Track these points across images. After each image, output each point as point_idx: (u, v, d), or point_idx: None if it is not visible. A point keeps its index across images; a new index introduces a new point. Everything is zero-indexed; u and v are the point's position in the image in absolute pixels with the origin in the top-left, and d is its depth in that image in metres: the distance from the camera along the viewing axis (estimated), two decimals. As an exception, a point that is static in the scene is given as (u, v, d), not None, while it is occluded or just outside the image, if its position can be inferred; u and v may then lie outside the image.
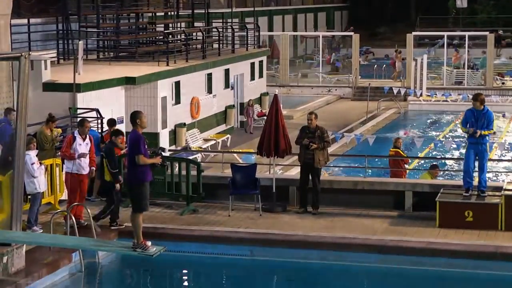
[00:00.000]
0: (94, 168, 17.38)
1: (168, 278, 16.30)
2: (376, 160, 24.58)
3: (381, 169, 23.24)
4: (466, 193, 17.27)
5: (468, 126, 17.17)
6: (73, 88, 23.32)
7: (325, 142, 18.20)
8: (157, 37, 34.53)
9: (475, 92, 20.64)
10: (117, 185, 16.86)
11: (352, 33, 48.91)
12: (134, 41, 33.04)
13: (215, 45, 36.01)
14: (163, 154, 15.55)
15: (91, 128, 20.00)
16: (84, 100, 23.79)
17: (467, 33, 49.04)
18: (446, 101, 40.89)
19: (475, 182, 17.43)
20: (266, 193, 18.32)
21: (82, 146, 16.89)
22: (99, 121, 22.82)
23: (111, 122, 19.67)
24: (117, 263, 16.22)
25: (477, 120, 17.08)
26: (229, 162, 20.43)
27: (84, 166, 16.96)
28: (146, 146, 13.91)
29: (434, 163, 21.49)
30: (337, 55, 51.33)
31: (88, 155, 16.99)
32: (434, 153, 29.05)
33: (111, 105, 25.00)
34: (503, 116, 37.32)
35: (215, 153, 26.83)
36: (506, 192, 16.95)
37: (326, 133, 18.30)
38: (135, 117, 13.81)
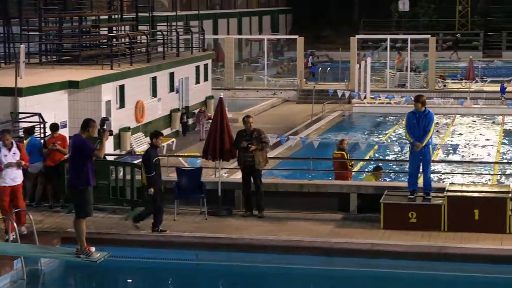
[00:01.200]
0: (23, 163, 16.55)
1: (112, 284, 16.09)
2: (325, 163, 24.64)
3: (326, 172, 23.27)
4: (411, 195, 17.37)
5: (410, 129, 17.27)
6: (15, 92, 22.95)
7: (263, 143, 18.17)
8: (100, 41, 34.19)
9: (418, 93, 20.66)
10: (150, 190, 16.62)
11: (296, 36, 49.03)
12: (77, 44, 32.66)
13: (160, 49, 35.80)
14: (108, 121, 15.74)
15: (33, 136, 19.68)
16: (26, 104, 23.43)
17: (409, 36, 49.64)
18: (390, 103, 41.21)
19: (421, 184, 17.55)
20: (212, 197, 18.22)
21: (8, 156, 16.18)
22: (42, 125, 22.48)
23: (54, 127, 19.37)
24: (61, 270, 15.95)
25: (419, 121, 17.20)
26: (174, 166, 20.26)
27: (14, 176, 16.19)
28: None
29: (377, 165, 21.59)
30: (313, 58, 51.25)
31: (20, 164, 16.28)
32: (377, 155, 29.24)
33: (54, 109, 24.67)
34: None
35: (160, 157, 26.55)
36: (449, 193, 17.09)
37: (263, 134, 18.29)
38: (88, 125, 14.11)
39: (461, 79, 47.08)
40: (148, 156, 16.78)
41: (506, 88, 42.35)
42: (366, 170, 23.58)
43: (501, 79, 46.59)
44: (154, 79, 32.28)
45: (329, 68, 49.54)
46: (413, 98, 17.70)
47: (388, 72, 46.45)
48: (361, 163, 25.98)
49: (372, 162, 24.87)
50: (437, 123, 36.16)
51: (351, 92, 41.78)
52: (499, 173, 25.46)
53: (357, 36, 49.37)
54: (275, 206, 18.45)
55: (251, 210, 18.15)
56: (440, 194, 17.30)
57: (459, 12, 69.98)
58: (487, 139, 33.75)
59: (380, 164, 22.13)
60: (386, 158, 28.53)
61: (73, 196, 13.91)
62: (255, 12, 68.23)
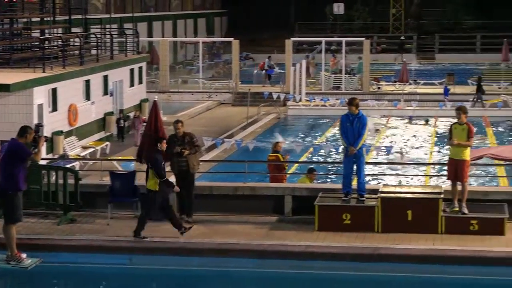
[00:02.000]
0: None
1: (44, 291, 15.84)
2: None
3: (261, 175, 23.29)
4: (345, 197, 17.49)
5: (344, 132, 17.40)
6: None
7: (196, 146, 18.09)
8: (32, 43, 33.70)
9: (352, 96, 20.78)
10: (176, 188, 16.81)
11: (232, 39, 49.03)
12: (8, 47, 32.14)
13: (93, 51, 35.44)
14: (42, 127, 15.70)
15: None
16: (-45, 108, 22.99)
17: (344, 39, 50.07)
18: (325, 105, 41.51)
19: (355, 185, 17.67)
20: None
21: None
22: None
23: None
24: (-9, 276, 15.65)
25: (352, 124, 17.33)
26: (108, 170, 20.07)
27: None
28: None
29: (311, 166, 21.66)
30: (270, 61, 51.43)
31: None
32: (309, 155, 29.38)
33: (-16, 113, 24.24)
34: (427, 122, 37.97)
35: (93, 161, 26.37)
36: (382, 195, 17.26)
37: (194, 138, 18.20)
38: (25, 131, 14.32)
39: (395, 82, 47.65)
40: (157, 161, 16.57)
41: (449, 90, 42.98)
42: (299, 172, 23.61)
43: (442, 80, 47.26)
44: (87, 82, 31.95)
45: (264, 71, 49.61)
46: (347, 101, 17.85)
47: (323, 74, 46.76)
48: (296, 165, 26.09)
49: (307, 164, 24.94)
50: (376, 123, 36.68)
51: (287, 94, 41.95)
52: (432, 174, 25.77)
53: (292, 39, 49.63)
54: (210, 209, 18.40)
55: (185, 213, 18.06)
56: (374, 196, 17.46)
57: (393, 15, 70.83)
58: (420, 141, 34.21)
59: (313, 166, 22.20)
60: (321, 160, 28.69)
61: (3, 201, 13.68)
62: (190, 14, 68.09)
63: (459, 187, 17.08)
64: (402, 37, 66.92)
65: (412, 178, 24.86)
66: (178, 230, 16.66)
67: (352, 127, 17.29)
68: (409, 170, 24.02)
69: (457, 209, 16.96)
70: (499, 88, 46.27)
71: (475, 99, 41.54)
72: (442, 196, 17.06)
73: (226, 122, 38.31)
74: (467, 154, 17.04)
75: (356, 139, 17.24)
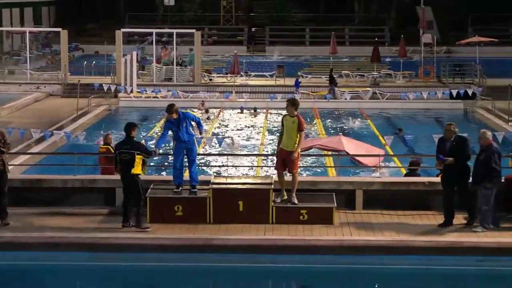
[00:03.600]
0: None
1: None
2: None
3: (93, 167, 22.98)
4: (176, 189, 17.56)
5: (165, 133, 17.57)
6: None
7: (8, 144, 17.51)
8: None
9: (185, 88, 20.91)
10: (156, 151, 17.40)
11: (60, 29, 48.01)
12: None
13: None
14: None
15: None
16: None
17: (175, 30, 50.04)
18: (156, 97, 41.37)
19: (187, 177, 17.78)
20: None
21: None
22: None
23: None
24: None
25: (178, 126, 17.43)
26: None
27: None
28: None
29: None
30: (142, 52, 50.15)
31: None
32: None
33: None
34: (255, 110, 38.28)
35: None
36: (214, 186, 17.44)
37: (5, 136, 17.58)
38: None
39: (226, 74, 48.07)
40: (139, 142, 17.45)
41: (300, 82, 43.72)
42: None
43: (272, 73, 48.05)
44: None
45: (94, 62, 48.90)
46: (179, 93, 17.90)
47: (154, 66, 46.59)
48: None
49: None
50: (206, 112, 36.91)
51: (117, 86, 41.53)
52: (263, 165, 26.27)
53: (123, 30, 49.10)
54: (40, 202, 18.04)
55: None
56: (205, 187, 17.61)
57: (223, 7, 71.41)
58: (252, 131, 34.71)
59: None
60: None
61: None
62: (16, 3, 66.06)
63: (286, 178, 17.45)
64: (253, 29, 67.49)
65: (247, 169, 25.24)
66: (125, 222, 16.78)
67: (179, 128, 17.47)
68: (239, 160, 24.36)
69: (285, 198, 17.33)
70: (327, 80, 47.56)
71: (330, 91, 42.63)
72: (272, 186, 17.41)
73: (55, 114, 37.48)
74: (299, 149, 17.33)
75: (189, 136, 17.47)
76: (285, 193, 17.37)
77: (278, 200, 17.29)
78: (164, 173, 24.52)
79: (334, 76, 44.25)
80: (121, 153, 16.95)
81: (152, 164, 23.38)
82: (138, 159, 16.89)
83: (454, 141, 16.89)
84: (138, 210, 16.75)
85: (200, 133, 18.00)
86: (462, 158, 16.75)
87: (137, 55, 46.22)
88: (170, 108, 17.59)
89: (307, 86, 44.42)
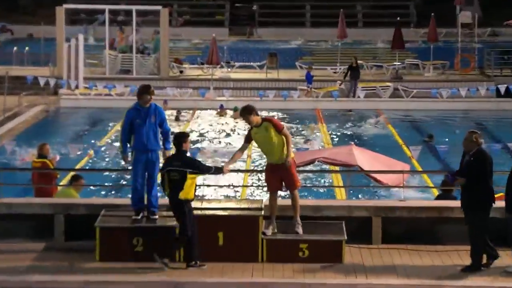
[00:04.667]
0: None
1: None
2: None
3: (25, 186, 22.89)
4: (136, 215, 17.44)
5: (125, 133, 17.35)
6: None
7: None
8: None
9: (147, 83, 20.58)
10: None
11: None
12: None
13: None
14: None
15: None
16: None
17: (134, 7, 49.85)
18: (110, 95, 41.32)
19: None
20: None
21: None
22: None
23: None
24: None
25: (145, 121, 17.25)
26: None
27: None
28: None
29: (75, 174, 21.33)
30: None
31: None
32: (89, 160, 29.22)
33: None
34: (235, 110, 38.04)
35: None
36: (186, 212, 17.31)
37: None
38: None
39: (202, 64, 48.07)
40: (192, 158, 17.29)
41: (313, 76, 43.61)
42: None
43: (262, 63, 48.00)
44: None
45: (27, 47, 48.82)
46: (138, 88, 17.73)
47: (107, 53, 46.52)
48: (71, 173, 25.70)
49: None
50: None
51: (58, 80, 41.45)
52: (250, 184, 26.21)
53: (65, 6, 48.97)
54: None
55: None
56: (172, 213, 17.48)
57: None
58: (235, 139, 34.60)
59: (80, 173, 21.90)
60: (107, 166, 28.57)
61: None
62: None
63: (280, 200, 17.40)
64: (255, 7, 67.14)
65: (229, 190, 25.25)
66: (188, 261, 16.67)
67: (145, 124, 17.24)
68: (219, 178, 24.27)
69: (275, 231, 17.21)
70: (335, 73, 47.66)
71: (352, 89, 42.64)
72: (262, 213, 17.29)
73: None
74: (291, 152, 17.25)
75: (157, 142, 17.30)
76: (274, 222, 17.24)
77: (269, 231, 17.18)
78: (119, 194, 24.42)
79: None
80: (170, 171, 16.74)
81: (105, 184, 23.25)
82: (191, 179, 16.63)
83: (472, 156, 16.75)
84: (186, 239, 16.68)
85: (165, 149, 17.64)
86: (476, 177, 16.58)
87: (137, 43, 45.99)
88: (146, 89, 17.35)
89: (305, 81, 44.40)
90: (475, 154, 16.72)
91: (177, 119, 37.83)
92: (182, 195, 16.57)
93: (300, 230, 17.18)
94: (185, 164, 16.64)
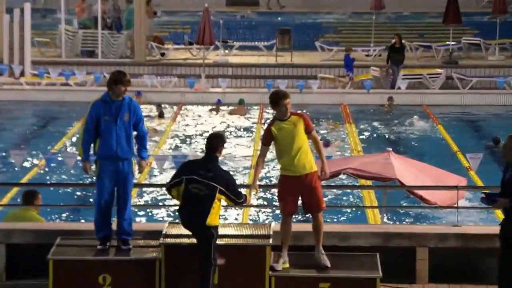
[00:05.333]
0: None
1: None
2: None
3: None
4: (101, 245, 17.52)
5: (89, 133, 17.40)
6: None
7: None
8: None
9: (118, 68, 20.82)
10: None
11: None
12: None
13: None
14: None
15: None
16: None
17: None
18: (68, 84, 41.36)
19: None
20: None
21: None
22: None
23: None
24: None
25: (116, 119, 17.28)
26: None
27: None
28: None
29: (30, 189, 21.38)
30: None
31: None
32: (40, 172, 29.32)
33: None
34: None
35: None
36: (168, 240, 17.37)
37: None
38: None
39: (191, 44, 48.14)
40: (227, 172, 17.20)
41: (354, 60, 43.37)
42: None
43: (271, 42, 48.10)
44: None
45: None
46: (107, 76, 17.82)
47: (63, 29, 46.57)
48: (16, 189, 25.87)
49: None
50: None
51: (-3, 64, 41.72)
52: (254, 204, 26.24)
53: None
54: None
55: None
56: (152, 242, 17.58)
57: None
58: (235, 143, 34.70)
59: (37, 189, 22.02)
60: (59, 180, 28.67)
61: None
62: None
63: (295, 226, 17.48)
64: None
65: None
66: None
67: (115, 123, 17.29)
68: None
69: (287, 265, 17.29)
70: (367, 56, 47.72)
71: (391, 77, 42.64)
72: (270, 241, 17.36)
73: None
74: (325, 161, 17.25)
75: (131, 148, 17.40)
76: (286, 255, 17.27)
77: (279, 266, 17.25)
78: (80, 217, 24.55)
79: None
80: (192, 181, 16.82)
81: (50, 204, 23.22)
82: (219, 200, 16.76)
83: (515, 170, 16.53)
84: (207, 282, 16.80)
85: (141, 158, 17.67)
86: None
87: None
88: (121, 78, 17.31)
89: (328, 67, 44.49)
90: None
91: (161, 115, 37.75)
92: (210, 221, 16.62)
93: (327, 262, 17.18)
94: (219, 179, 16.63)
